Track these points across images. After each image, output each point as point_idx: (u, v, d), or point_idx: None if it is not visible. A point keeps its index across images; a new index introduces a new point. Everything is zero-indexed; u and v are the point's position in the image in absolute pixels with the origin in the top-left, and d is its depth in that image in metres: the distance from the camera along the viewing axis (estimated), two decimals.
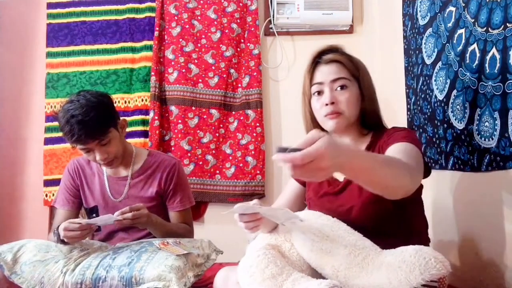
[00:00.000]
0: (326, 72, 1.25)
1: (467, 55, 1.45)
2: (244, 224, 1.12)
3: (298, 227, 1.12)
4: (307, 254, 1.10)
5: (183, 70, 2.48)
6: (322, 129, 1.30)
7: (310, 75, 1.28)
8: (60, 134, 2.39)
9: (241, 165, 2.45)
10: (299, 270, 1.09)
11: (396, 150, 1.12)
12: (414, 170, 1.03)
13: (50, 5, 2.53)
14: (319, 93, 1.26)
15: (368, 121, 1.29)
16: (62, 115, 1.49)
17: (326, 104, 1.23)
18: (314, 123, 1.31)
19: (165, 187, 1.67)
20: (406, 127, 1.94)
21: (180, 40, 2.49)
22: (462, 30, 1.49)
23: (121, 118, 1.65)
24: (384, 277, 0.98)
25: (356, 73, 1.26)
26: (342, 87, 1.24)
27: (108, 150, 1.54)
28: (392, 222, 1.17)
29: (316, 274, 1.09)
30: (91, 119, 1.46)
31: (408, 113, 1.93)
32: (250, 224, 1.11)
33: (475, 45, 1.41)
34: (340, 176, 1.27)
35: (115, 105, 2.48)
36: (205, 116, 2.48)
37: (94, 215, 1.65)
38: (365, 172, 0.87)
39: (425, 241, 1.23)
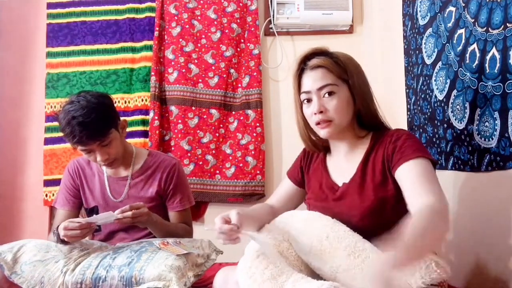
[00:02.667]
0: (311, 80, 1.21)
1: (467, 55, 1.45)
2: (223, 236, 1.08)
3: (296, 227, 1.12)
4: (306, 254, 1.09)
5: (183, 70, 2.48)
6: (316, 135, 1.28)
7: (297, 83, 1.25)
8: (60, 134, 2.40)
9: (241, 165, 2.45)
10: (297, 270, 1.08)
11: (412, 180, 1.07)
12: (441, 212, 1.00)
13: (50, 5, 2.53)
14: (308, 100, 1.22)
15: (364, 121, 1.25)
16: (62, 116, 1.48)
17: (315, 113, 1.20)
18: (307, 129, 1.29)
19: (164, 187, 1.67)
20: (405, 128, 1.94)
21: (180, 40, 2.49)
22: (462, 30, 1.49)
23: (122, 118, 1.65)
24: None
25: (344, 76, 1.20)
26: (330, 93, 1.19)
27: (109, 151, 1.54)
28: (393, 230, 1.16)
29: (314, 275, 1.08)
30: (92, 121, 1.46)
31: (408, 113, 1.93)
32: (227, 236, 1.07)
33: (475, 45, 1.41)
34: (339, 181, 1.25)
35: (115, 105, 2.49)
36: (205, 116, 2.48)
37: (94, 215, 1.65)
38: None
39: None
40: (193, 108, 2.47)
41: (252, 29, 2.52)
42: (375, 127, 1.25)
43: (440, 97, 1.63)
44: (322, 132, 1.22)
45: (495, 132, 1.30)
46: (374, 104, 1.26)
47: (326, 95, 1.19)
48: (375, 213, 1.12)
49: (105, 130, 1.51)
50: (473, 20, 1.42)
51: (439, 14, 1.65)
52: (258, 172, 2.44)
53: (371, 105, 1.25)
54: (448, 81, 1.58)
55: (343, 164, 1.25)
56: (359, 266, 1.02)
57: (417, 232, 0.95)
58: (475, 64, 1.41)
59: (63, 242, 1.46)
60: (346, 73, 1.20)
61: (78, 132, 1.45)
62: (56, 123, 2.42)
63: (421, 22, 1.80)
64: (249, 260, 1.06)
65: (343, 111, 1.20)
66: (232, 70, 2.51)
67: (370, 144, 1.22)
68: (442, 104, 1.61)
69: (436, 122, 1.66)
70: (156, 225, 1.57)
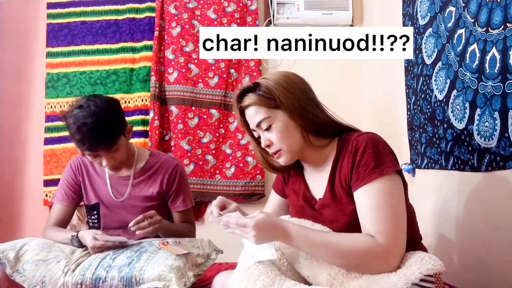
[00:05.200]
0: (249, 118, 1.21)
1: (467, 55, 1.45)
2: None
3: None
4: (301, 263, 1.09)
5: (183, 70, 2.48)
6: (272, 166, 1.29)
7: (243, 121, 1.25)
8: (60, 134, 2.41)
9: (241, 165, 2.46)
10: (290, 279, 1.07)
11: (364, 209, 1.06)
12: (382, 246, 1.01)
13: (50, 5, 2.53)
14: (259, 136, 1.22)
15: (319, 134, 1.19)
16: (72, 121, 1.46)
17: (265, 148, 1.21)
18: (266, 160, 1.28)
19: (166, 189, 1.67)
20: (405, 128, 1.94)
21: (180, 40, 2.49)
22: (462, 30, 1.49)
23: (128, 123, 1.64)
24: (383, 275, 1.00)
25: (274, 104, 1.16)
26: (267, 128, 1.17)
27: (115, 157, 1.55)
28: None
29: (306, 284, 1.06)
30: (103, 128, 1.45)
31: (408, 113, 1.93)
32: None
33: (475, 45, 1.41)
34: (316, 193, 1.23)
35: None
36: (205, 116, 2.48)
37: (95, 212, 1.66)
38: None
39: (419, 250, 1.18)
40: (193, 108, 2.47)
41: None
42: (336, 133, 1.21)
43: (440, 97, 1.63)
44: (280, 162, 1.21)
45: (495, 132, 1.31)
46: (321, 113, 1.20)
47: (265, 130, 1.18)
48: (356, 225, 1.09)
49: (115, 138, 1.51)
50: (473, 20, 1.42)
51: (439, 14, 1.65)
52: (258, 172, 2.44)
53: (316, 116, 1.18)
54: (448, 81, 1.58)
55: (317, 176, 1.23)
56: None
57: (336, 240, 1.03)
58: (475, 64, 1.41)
59: (81, 246, 1.51)
60: (276, 100, 1.16)
61: (88, 139, 1.45)
62: (56, 123, 2.43)
63: (421, 22, 1.80)
64: (241, 272, 1.06)
65: (286, 138, 1.17)
66: (232, 70, 2.51)
67: (336, 151, 1.18)
68: (442, 104, 1.61)
69: (436, 122, 1.66)
70: (166, 229, 1.60)
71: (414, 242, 1.15)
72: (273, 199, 1.41)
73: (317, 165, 1.22)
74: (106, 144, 1.49)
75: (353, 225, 1.09)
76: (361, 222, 1.07)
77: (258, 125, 1.18)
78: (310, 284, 1.07)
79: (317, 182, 1.22)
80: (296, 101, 1.16)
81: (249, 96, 1.19)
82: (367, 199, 1.06)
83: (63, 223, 1.68)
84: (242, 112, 1.23)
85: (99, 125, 1.45)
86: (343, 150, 1.15)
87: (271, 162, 1.28)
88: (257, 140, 1.25)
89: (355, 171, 1.09)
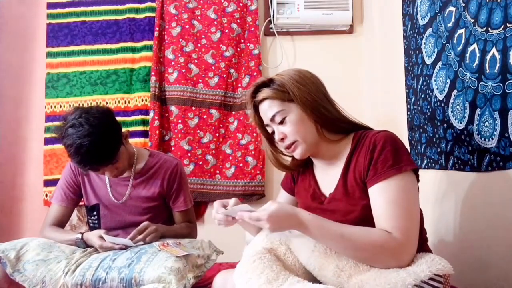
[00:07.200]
0: (263, 113, 1.23)
1: (467, 55, 1.45)
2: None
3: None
4: (308, 254, 1.08)
5: (183, 70, 2.48)
6: (287, 159, 1.31)
7: (257, 118, 1.27)
8: None
9: (241, 165, 2.45)
10: (294, 274, 1.07)
11: (381, 205, 1.06)
12: (397, 239, 1.01)
13: (50, 5, 2.53)
14: (273, 132, 1.24)
15: (333, 129, 1.21)
16: (69, 143, 1.43)
17: (279, 142, 1.23)
18: (277, 159, 1.29)
19: (167, 188, 1.67)
20: (405, 128, 1.94)
21: (180, 40, 2.49)
22: (462, 30, 1.49)
23: (123, 129, 1.61)
24: (391, 270, 1.00)
25: (287, 97, 1.18)
26: (281, 121, 1.19)
27: (117, 166, 1.56)
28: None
29: (310, 279, 1.07)
30: (100, 148, 1.44)
31: (408, 113, 1.93)
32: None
33: (475, 45, 1.41)
34: (326, 190, 1.23)
35: (115, 105, 2.47)
36: (205, 116, 2.48)
37: (95, 213, 1.66)
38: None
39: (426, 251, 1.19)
40: (193, 108, 2.47)
41: (252, 29, 2.52)
42: (350, 130, 1.22)
43: (440, 97, 1.63)
44: (295, 155, 1.22)
45: (495, 132, 1.31)
46: (333, 109, 1.22)
47: (279, 122, 1.20)
48: (366, 221, 1.09)
49: (114, 153, 1.51)
50: (473, 20, 1.42)
51: (439, 14, 1.65)
52: (258, 172, 2.44)
53: (328, 111, 1.20)
54: (448, 81, 1.58)
55: (329, 171, 1.23)
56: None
57: (352, 232, 1.03)
58: (475, 64, 1.41)
59: (87, 247, 1.54)
60: (289, 94, 1.18)
61: (88, 161, 1.45)
62: (56, 123, 2.43)
63: (421, 22, 1.80)
64: (246, 265, 1.07)
65: (300, 130, 1.18)
66: (232, 70, 2.51)
67: (351, 147, 1.19)
68: (442, 104, 1.61)
69: (436, 122, 1.66)
70: (165, 235, 1.60)
71: (421, 243, 1.15)
72: (282, 197, 1.41)
73: (330, 160, 1.23)
74: (107, 161, 1.49)
75: (363, 220, 1.10)
76: (376, 217, 1.07)
77: (272, 119, 1.20)
78: (315, 279, 1.07)
79: (328, 177, 1.23)
80: (308, 94, 1.18)
81: (263, 90, 1.22)
82: (384, 195, 1.07)
83: (61, 223, 1.69)
84: (255, 108, 1.26)
85: (96, 145, 1.42)
86: (359, 146, 1.16)
87: (281, 160, 1.30)
88: (268, 138, 1.27)
89: (373, 167, 1.10)
